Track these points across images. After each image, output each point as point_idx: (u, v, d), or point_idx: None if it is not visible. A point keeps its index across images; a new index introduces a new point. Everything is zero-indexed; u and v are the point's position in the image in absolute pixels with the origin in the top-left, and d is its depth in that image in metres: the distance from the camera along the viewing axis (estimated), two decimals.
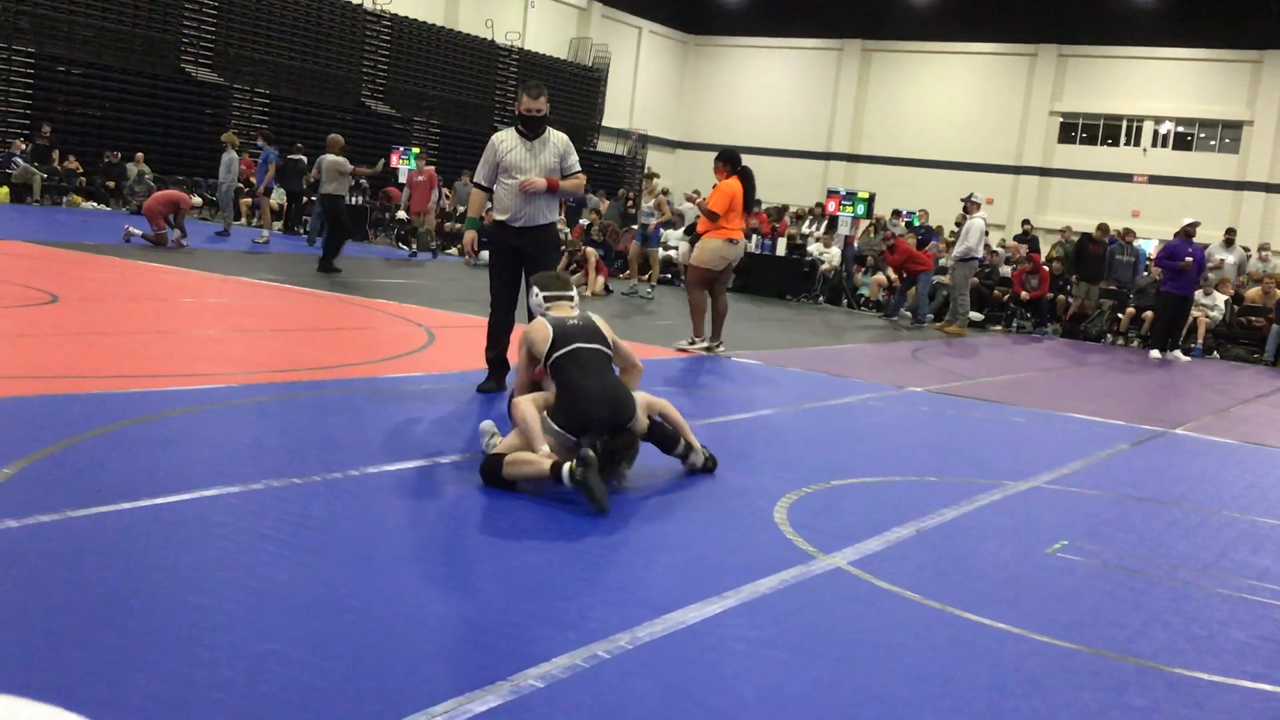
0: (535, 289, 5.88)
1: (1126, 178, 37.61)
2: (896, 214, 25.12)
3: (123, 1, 26.27)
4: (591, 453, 4.78)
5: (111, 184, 24.23)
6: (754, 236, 23.03)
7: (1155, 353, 16.55)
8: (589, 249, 17.64)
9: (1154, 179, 37.15)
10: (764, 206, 26.43)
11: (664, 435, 5.62)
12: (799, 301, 20.53)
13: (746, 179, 10.74)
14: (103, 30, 26.02)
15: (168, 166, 25.41)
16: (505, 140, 7.48)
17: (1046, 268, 19.41)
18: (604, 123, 40.57)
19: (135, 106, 25.98)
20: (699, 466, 5.71)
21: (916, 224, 23.72)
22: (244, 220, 23.75)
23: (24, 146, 23.18)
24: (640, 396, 5.52)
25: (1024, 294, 19.03)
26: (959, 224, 19.19)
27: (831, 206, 21.85)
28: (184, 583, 3.52)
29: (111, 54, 26.10)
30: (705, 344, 10.99)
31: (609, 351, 5.52)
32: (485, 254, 7.86)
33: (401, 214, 23.21)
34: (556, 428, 5.13)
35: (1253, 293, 18.63)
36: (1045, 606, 4.23)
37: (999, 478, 6.46)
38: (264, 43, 29.38)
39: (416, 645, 3.24)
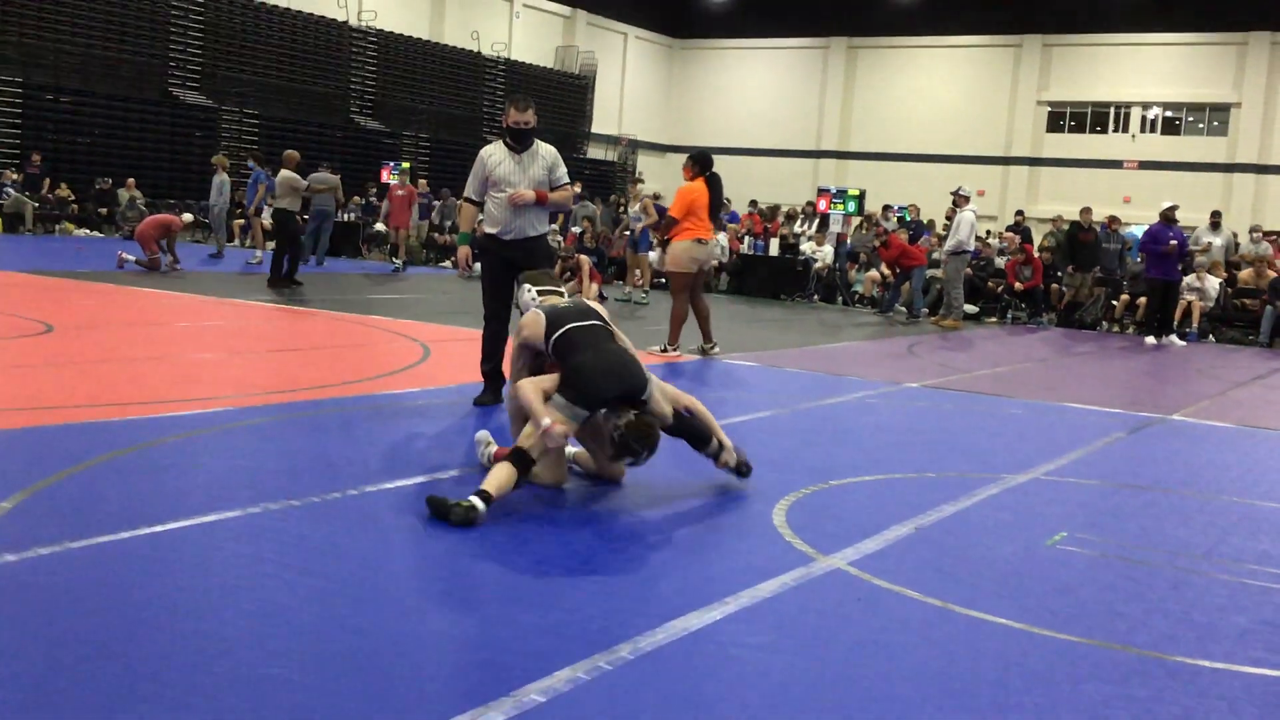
0: (526, 285, 5.88)
1: (1116, 164, 37.68)
2: (888, 209, 25.14)
3: (108, 27, 26.32)
4: (454, 516, 4.56)
5: (104, 211, 24.24)
6: (746, 238, 23.08)
7: (1150, 339, 16.57)
8: (582, 256, 17.66)
9: (1144, 164, 37.22)
10: (758, 207, 26.49)
11: (694, 430, 5.49)
12: (793, 301, 20.56)
13: (713, 183, 10.75)
14: (89, 57, 26.06)
15: (159, 191, 25.45)
16: (494, 154, 7.50)
17: (1039, 257, 19.43)
18: (593, 129, 40.63)
19: (124, 132, 26.02)
20: (731, 467, 5.60)
21: (908, 219, 23.74)
22: (237, 242, 23.77)
23: (15, 176, 23.19)
24: (666, 389, 5.40)
25: (1018, 285, 19.05)
26: (949, 218, 19.21)
27: (823, 205, 21.87)
28: (184, 610, 3.53)
29: (99, 80, 26.14)
30: (690, 348, 11.00)
31: (607, 326, 5.44)
32: (479, 266, 7.87)
33: (380, 226, 22.97)
34: (564, 400, 4.98)
35: (1245, 274, 18.65)
36: (1046, 600, 4.24)
37: (997, 471, 6.47)
38: (251, 63, 29.43)
39: (419, 663, 3.25)
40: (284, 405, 7.05)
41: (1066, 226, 20.67)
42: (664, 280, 20.86)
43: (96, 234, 23.71)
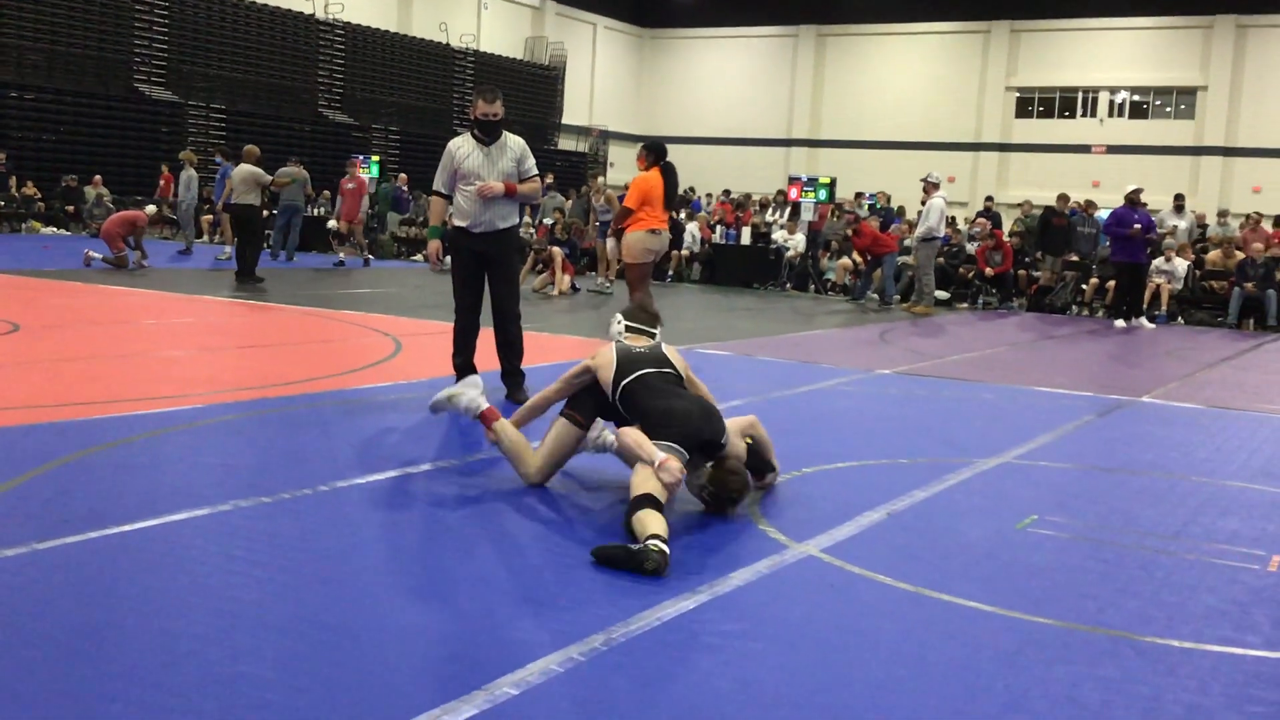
0: (618, 316, 5.50)
1: (1085, 149, 37.88)
2: (859, 196, 25.20)
3: (72, 24, 26.05)
4: (648, 566, 4.08)
5: (70, 208, 24.03)
6: (719, 227, 23.10)
7: (1120, 322, 16.68)
8: (554, 248, 17.62)
9: (1112, 149, 37.43)
10: (730, 196, 26.51)
11: (758, 463, 5.30)
12: (766, 290, 20.59)
13: (668, 172, 10.70)
14: (53, 54, 25.80)
15: (126, 188, 25.22)
16: (462, 147, 7.47)
17: (1009, 242, 19.52)
18: (564, 120, 40.53)
19: (90, 129, 25.79)
20: (772, 484, 5.44)
21: (878, 206, 23.80)
22: (205, 238, 23.61)
23: None
24: (731, 422, 5.15)
25: (988, 270, 19.14)
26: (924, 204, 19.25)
27: (794, 193, 21.90)
28: (154, 609, 3.51)
29: (63, 77, 25.89)
30: None
31: (678, 375, 5.17)
32: (450, 260, 7.84)
33: (331, 223, 21.96)
34: (665, 441, 4.70)
35: (1213, 256, 18.80)
36: (1017, 582, 4.26)
37: (968, 456, 6.51)
38: (217, 58, 29.20)
39: (391, 659, 3.24)
40: (254, 402, 7.01)
41: (1035, 211, 20.77)
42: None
43: (63, 232, 23.50)
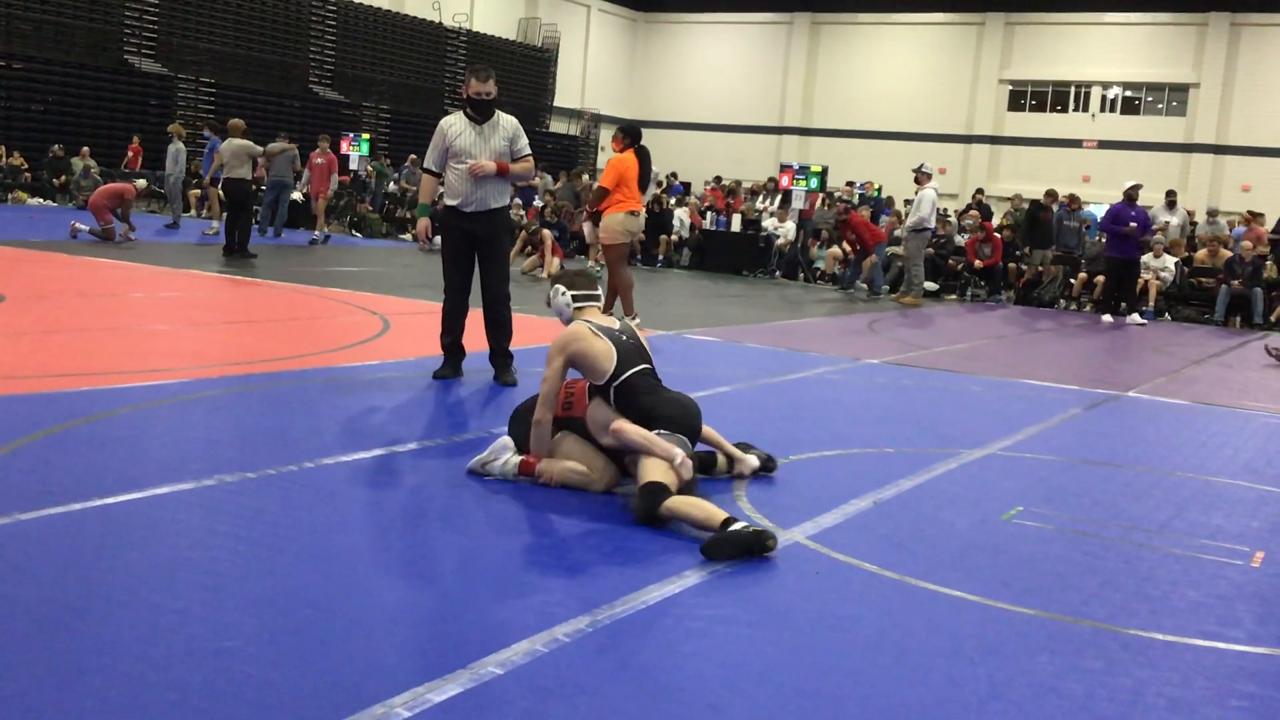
0: (561, 288, 5.29)
1: (1076, 143, 37.96)
2: (850, 185, 25.19)
3: None
4: (770, 543, 4.16)
5: (58, 180, 23.87)
6: (709, 213, 23.08)
7: (1107, 317, 16.71)
8: (545, 231, 17.59)
9: (1103, 144, 37.52)
10: (721, 183, 26.48)
11: (701, 463, 5.25)
12: (755, 277, 20.58)
13: (643, 155, 10.70)
14: (43, 24, 25.62)
15: (114, 159, 25.07)
16: (454, 125, 7.43)
17: (999, 235, 19.54)
18: (555, 103, 40.43)
19: (79, 100, 25.62)
20: (749, 473, 5.33)
21: (867, 196, 23.80)
22: (193, 212, 23.49)
23: None
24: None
25: (977, 263, 19.15)
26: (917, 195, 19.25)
27: (785, 181, 21.87)
28: (137, 583, 3.49)
29: (52, 47, 25.71)
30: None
31: (654, 369, 5.14)
32: (439, 239, 7.80)
33: (297, 195, 21.32)
34: (667, 433, 4.73)
35: (1201, 254, 18.84)
36: (1001, 573, 4.27)
37: (955, 447, 6.51)
38: (208, 31, 29.03)
39: (374, 637, 3.23)
40: (240, 377, 6.98)
41: (1026, 205, 20.79)
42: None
43: (50, 203, 23.36)
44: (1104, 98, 38.31)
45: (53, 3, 25.75)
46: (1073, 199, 19.86)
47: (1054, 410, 8.14)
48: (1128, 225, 16.24)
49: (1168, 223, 19.56)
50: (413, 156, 26.79)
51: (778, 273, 20.87)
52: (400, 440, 5.65)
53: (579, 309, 5.25)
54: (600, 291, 5.42)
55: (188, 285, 11.94)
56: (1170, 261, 18.25)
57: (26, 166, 23.85)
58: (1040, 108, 39.30)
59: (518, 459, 5.02)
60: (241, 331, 9.27)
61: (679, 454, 4.57)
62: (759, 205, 23.31)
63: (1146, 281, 17.68)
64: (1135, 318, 16.69)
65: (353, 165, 25.24)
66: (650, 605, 3.62)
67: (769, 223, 21.72)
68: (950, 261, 19.72)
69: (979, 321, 15.50)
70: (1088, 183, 34.72)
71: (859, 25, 41.72)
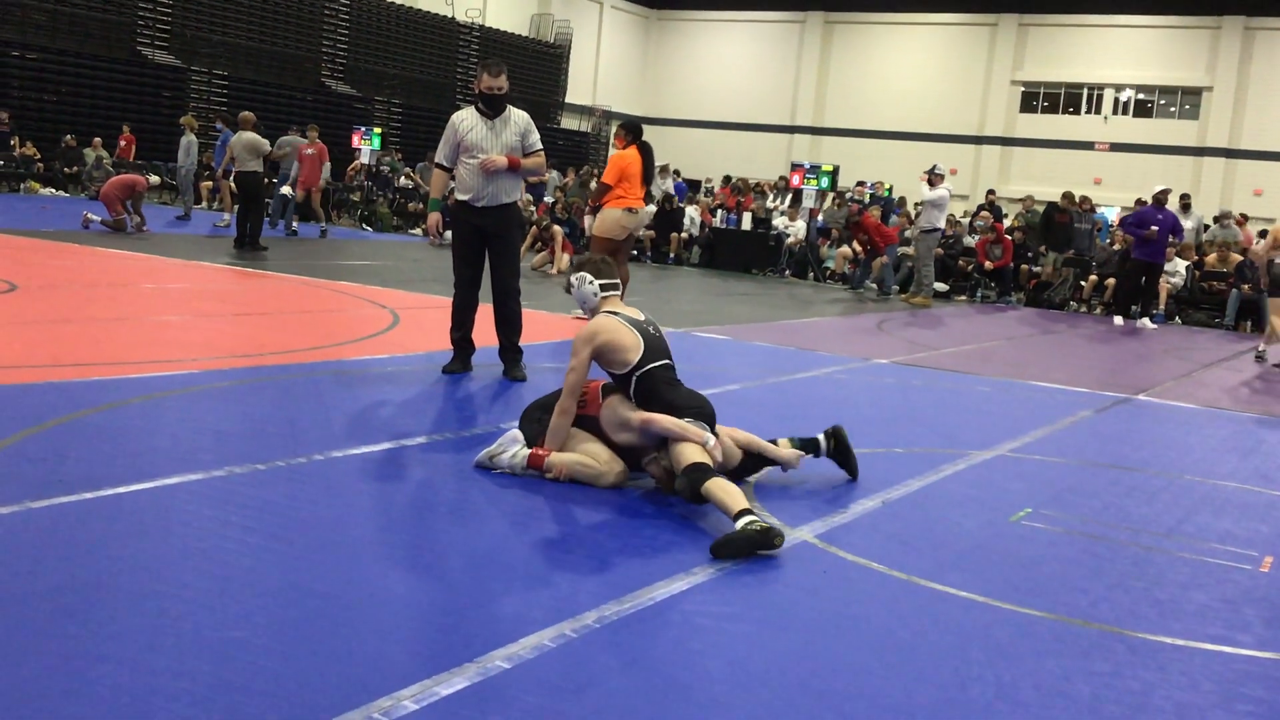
0: (586, 275, 5.27)
1: (1088, 146, 37.84)
2: (861, 185, 25.15)
3: None
4: (777, 540, 4.19)
5: (69, 170, 23.92)
6: (719, 211, 23.06)
7: (1119, 319, 16.66)
8: (556, 227, 17.59)
9: (1115, 146, 37.39)
10: (732, 182, 26.46)
11: (757, 462, 5.26)
12: (765, 275, 20.57)
13: (645, 150, 10.73)
14: (56, 14, 25.64)
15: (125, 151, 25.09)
16: (466, 119, 7.43)
17: (1010, 237, 19.51)
18: (567, 99, 40.38)
19: (91, 91, 25.64)
20: (792, 462, 5.26)
21: (879, 196, 23.75)
22: (204, 204, 23.53)
23: None
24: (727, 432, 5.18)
25: (988, 264, 19.12)
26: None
27: (796, 180, 21.86)
28: (147, 572, 3.50)
29: (66, 38, 25.74)
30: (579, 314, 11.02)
31: (675, 367, 5.19)
32: (450, 234, 7.81)
33: (286, 190, 19.91)
34: (692, 419, 4.80)
35: (1211, 258, 18.80)
36: (1010, 574, 4.26)
37: (963, 447, 6.51)
38: (221, 24, 29.04)
39: (382, 629, 3.24)
40: (250, 369, 7.00)
41: (1037, 207, 20.75)
42: (635, 253, 20.97)
43: (61, 193, 23.40)
44: (1116, 100, 38.19)
45: None
46: (1083, 200, 19.82)
47: (1064, 412, 8.12)
48: (1149, 229, 16.16)
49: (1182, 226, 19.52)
50: (430, 153, 26.80)
51: (787, 271, 20.86)
52: (409, 434, 5.66)
53: (604, 298, 5.29)
54: (617, 278, 5.45)
55: (198, 277, 11.97)
56: (1181, 265, 18.20)
57: (39, 157, 23.90)
58: (1052, 109, 39.18)
59: (526, 451, 5.03)
60: (252, 323, 9.28)
61: (710, 438, 4.66)
62: (769, 204, 23.30)
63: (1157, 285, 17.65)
64: (1146, 321, 16.64)
65: (364, 159, 25.24)
66: (658, 601, 3.63)
67: (779, 221, 21.70)
68: (960, 262, 19.69)
69: (989, 323, 15.48)
70: (1099, 185, 34.63)
71: (872, 25, 41.62)
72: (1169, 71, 37.05)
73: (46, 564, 3.49)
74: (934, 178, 17.15)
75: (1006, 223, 21.62)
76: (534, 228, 17.79)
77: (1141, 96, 37.89)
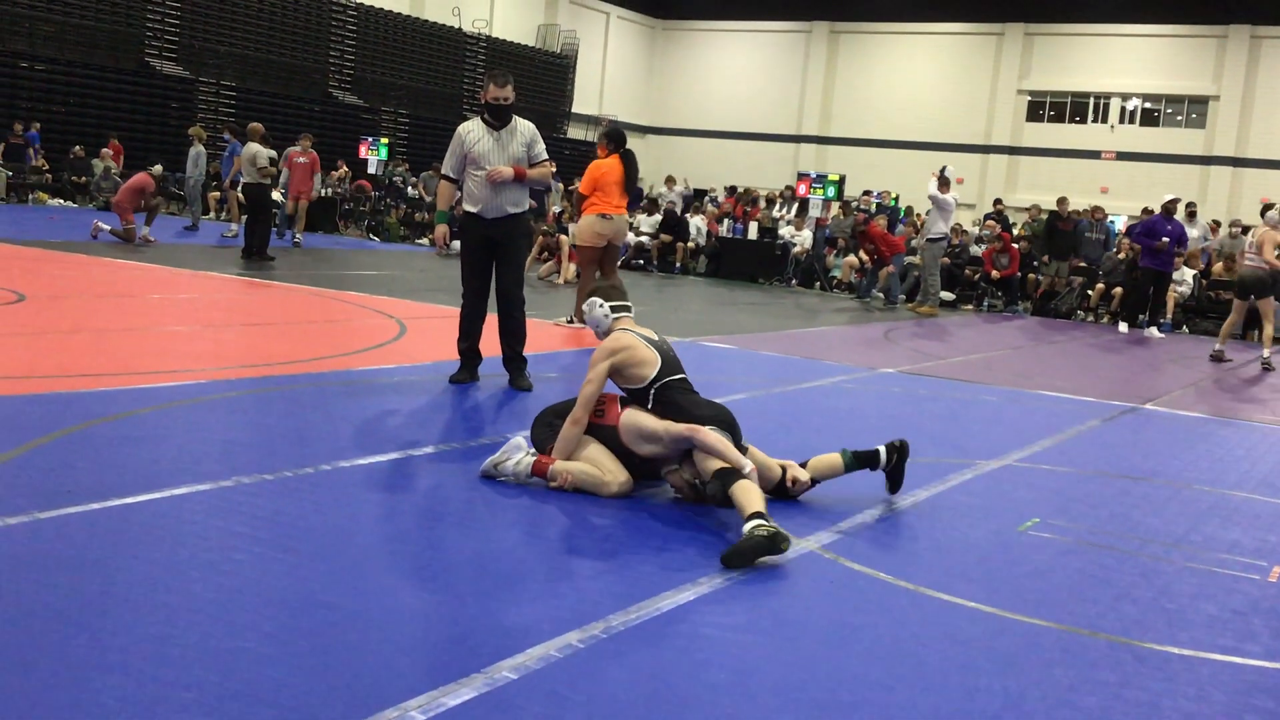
0: (597, 300, 5.40)
1: (1094, 154, 37.84)
2: (867, 194, 25.16)
3: None
4: (783, 545, 4.20)
5: (77, 180, 23.99)
6: (725, 221, 23.08)
7: (1123, 326, 16.63)
8: (563, 236, 17.61)
9: (1122, 155, 37.39)
10: (738, 192, 26.48)
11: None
12: (771, 285, 20.57)
13: (627, 159, 10.78)
14: (65, 26, 25.76)
15: (134, 161, 25.16)
16: (472, 131, 7.44)
17: (1016, 246, 19.49)
18: (573, 109, 40.48)
19: (100, 102, 25.75)
20: (806, 481, 5.20)
21: (884, 206, 23.76)
22: (212, 214, 23.59)
23: None
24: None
25: (994, 273, 19.11)
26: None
27: (802, 189, 21.88)
28: (154, 582, 3.51)
29: (74, 49, 25.85)
30: (569, 321, 11.10)
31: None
32: (456, 244, 7.82)
33: (276, 195, 18.96)
34: (714, 429, 4.82)
35: (1218, 267, 18.77)
36: (1017, 585, 4.26)
37: (971, 457, 6.50)
38: (229, 35, 29.16)
39: (390, 639, 3.24)
40: (258, 379, 7.01)
41: (1043, 216, 20.74)
42: (641, 261, 21.00)
43: (70, 204, 23.48)
44: (1123, 109, 38.19)
45: (75, 5, 25.90)
46: (1095, 210, 19.80)
47: (1071, 422, 8.11)
48: (1160, 240, 16.15)
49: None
50: (436, 164, 26.86)
51: (793, 281, 20.86)
52: (416, 444, 5.67)
53: (617, 319, 5.38)
54: (628, 300, 5.53)
55: (206, 287, 11.99)
56: (1189, 274, 18.18)
57: (47, 168, 23.98)
58: (1059, 118, 39.19)
59: (530, 459, 5.05)
60: (259, 334, 9.30)
61: (749, 465, 4.65)
62: (776, 213, 23.32)
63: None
64: (1154, 330, 16.62)
65: (371, 169, 25.30)
66: (664, 612, 3.63)
67: (785, 231, 21.71)
68: (967, 271, 19.67)
69: (995, 332, 15.46)
70: (1105, 194, 34.60)
71: (877, 35, 41.68)
72: (1175, 80, 37.04)
73: (55, 574, 3.49)
74: (942, 181, 17.12)
75: (1014, 232, 21.61)
76: (540, 237, 17.81)
77: (1148, 105, 37.89)
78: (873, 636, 3.60)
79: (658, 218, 21.96)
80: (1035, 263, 19.50)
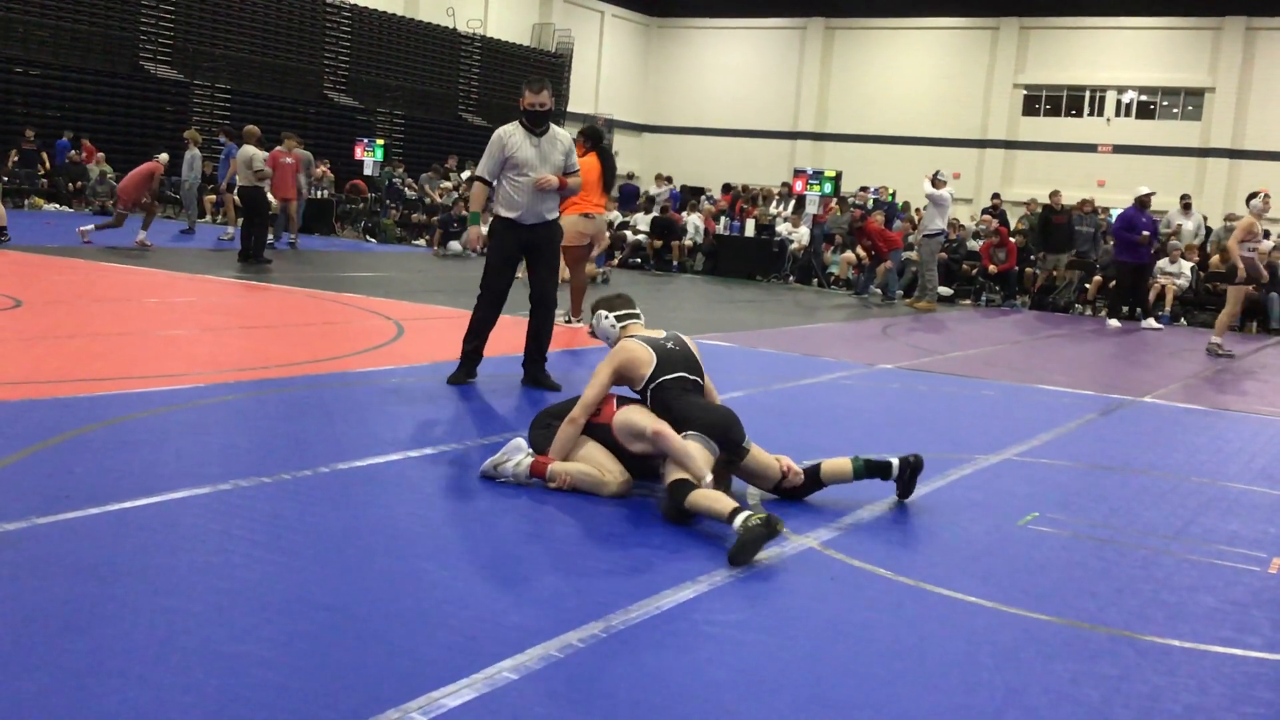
0: (602, 312, 5.46)
1: (1091, 148, 37.82)
2: (864, 190, 25.15)
3: (79, 0, 25.97)
4: (779, 526, 4.25)
5: (73, 184, 23.98)
6: (722, 218, 23.07)
7: (1114, 321, 16.64)
8: None
9: (1118, 148, 37.37)
10: (735, 190, 26.45)
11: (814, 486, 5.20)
12: (769, 282, 20.57)
13: (605, 157, 10.79)
14: (59, 30, 25.73)
15: (130, 165, 25.15)
16: (514, 136, 7.41)
17: (1014, 240, 19.49)
18: (569, 108, 40.43)
19: (94, 106, 25.72)
20: (798, 484, 5.14)
21: (882, 201, 23.75)
22: (208, 218, 23.57)
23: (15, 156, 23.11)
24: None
25: (992, 267, 19.11)
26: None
27: (799, 186, 21.87)
28: (153, 587, 3.50)
29: (69, 54, 25.83)
30: (566, 320, 11.08)
31: (700, 380, 5.19)
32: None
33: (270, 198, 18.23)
34: (696, 431, 4.83)
35: (1216, 259, 18.78)
36: (1017, 579, 4.26)
37: (970, 452, 6.50)
38: (223, 37, 29.12)
39: (389, 641, 3.23)
40: (256, 382, 7.00)
41: (1040, 210, 20.74)
42: (639, 260, 20.99)
43: (65, 209, 23.45)
44: (1119, 102, 38.18)
45: (69, 10, 25.87)
46: (1084, 203, 19.79)
47: (1069, 416, 8.11)
48: (1141, 233, 16.17)
49: (1181, 226, 19.50)
50: (436, 166, 26.87)
51: (791, 278, 20.86)
52: (415, 445, 5.66)
53: (624, 327, 5.42)
54: (638, 308, 5.55)
55: (203, 290, 11.99)
56: (1186, 266, 18.18)
57: (42, 172, 23.96)
58: (1055, 112, 39.18)
59: (529, 460, 5.04)
60: (257, 336, 9.30)
61: (708, 477, 4.60)
62: (772, 210, 23.31)
63: (1164, 286, 17.62)
64: (1151, 322, 16.63)
65: (368, 171, 25.28)
66: (664, 610, 3.62)
67: (783, 228, 21.71)
68: (965, 266, 19.68)
69: (994, 326, 15.47)
70: (1102, 187, 34.58)
71: (873, 30, 41.64)
72: (1171, 73, 37.03)
73: (53, 579, 3.49)
74: (936, 181, 17.16)
75: (1011, 226, 21.61)
76: None
77: (1144, 98, 37.87)
78: (873, 632, 3.60)
79: (654, 214, 21.96)
80: (1032, 257, 19.51)
